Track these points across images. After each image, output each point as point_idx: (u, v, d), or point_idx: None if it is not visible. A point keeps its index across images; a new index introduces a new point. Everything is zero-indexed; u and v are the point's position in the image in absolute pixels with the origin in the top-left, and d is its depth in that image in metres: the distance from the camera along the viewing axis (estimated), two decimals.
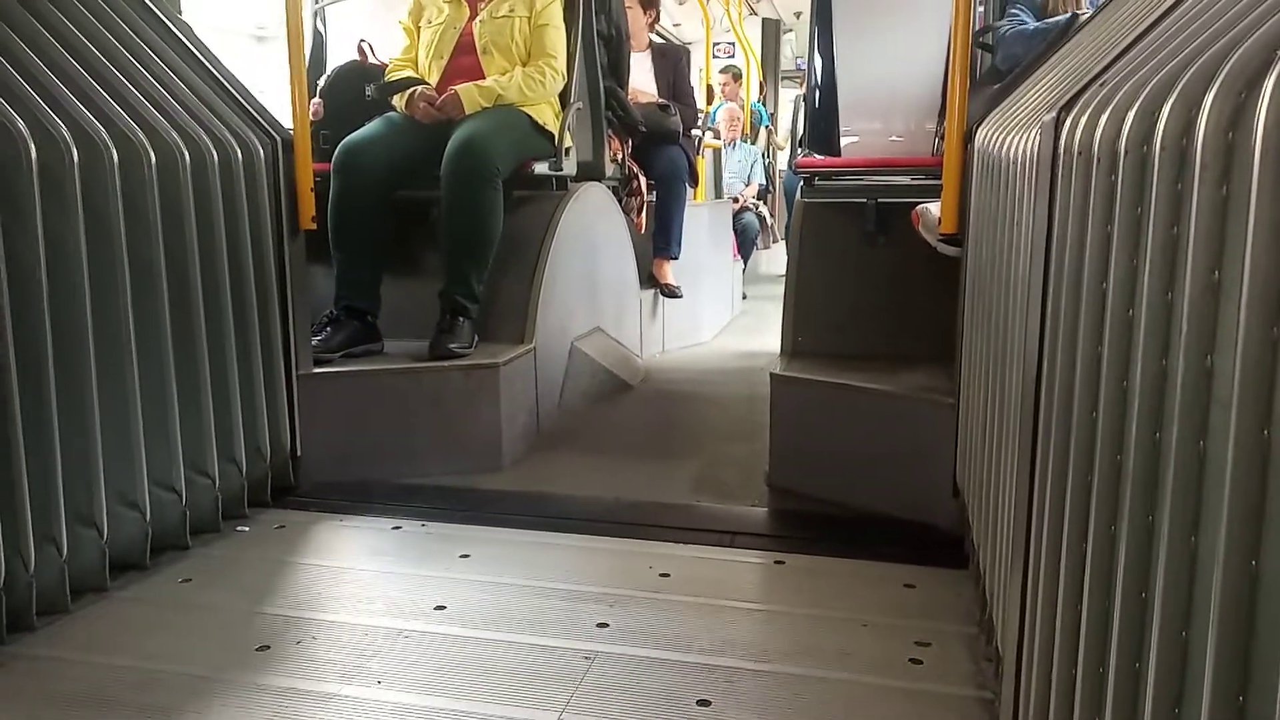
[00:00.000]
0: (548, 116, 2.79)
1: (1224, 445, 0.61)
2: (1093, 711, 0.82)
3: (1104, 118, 0.83)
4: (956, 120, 1.93)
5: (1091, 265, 0.85)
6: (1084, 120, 0.89)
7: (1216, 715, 0.61)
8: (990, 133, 1.56)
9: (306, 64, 2.32)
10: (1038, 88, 1.45)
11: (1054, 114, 0.98)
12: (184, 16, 2.11)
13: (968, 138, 1.91)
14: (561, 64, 2.81)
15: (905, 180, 2.49)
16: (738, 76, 7.17)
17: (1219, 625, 0.61)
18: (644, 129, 3.63)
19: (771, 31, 10.66)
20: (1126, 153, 0.77)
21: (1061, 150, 0.96)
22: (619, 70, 3.50)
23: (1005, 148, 1.32)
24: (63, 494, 1.59)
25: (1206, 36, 0.75)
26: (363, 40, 3.12)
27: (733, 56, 8.53)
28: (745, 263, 5.96)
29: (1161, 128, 0.71)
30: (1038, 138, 1.03)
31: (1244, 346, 0.59)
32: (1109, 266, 0.81)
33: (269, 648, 1.54)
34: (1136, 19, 1.15)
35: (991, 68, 2.54)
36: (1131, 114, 0.76)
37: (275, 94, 2.47)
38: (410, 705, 1.37)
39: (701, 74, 5.69)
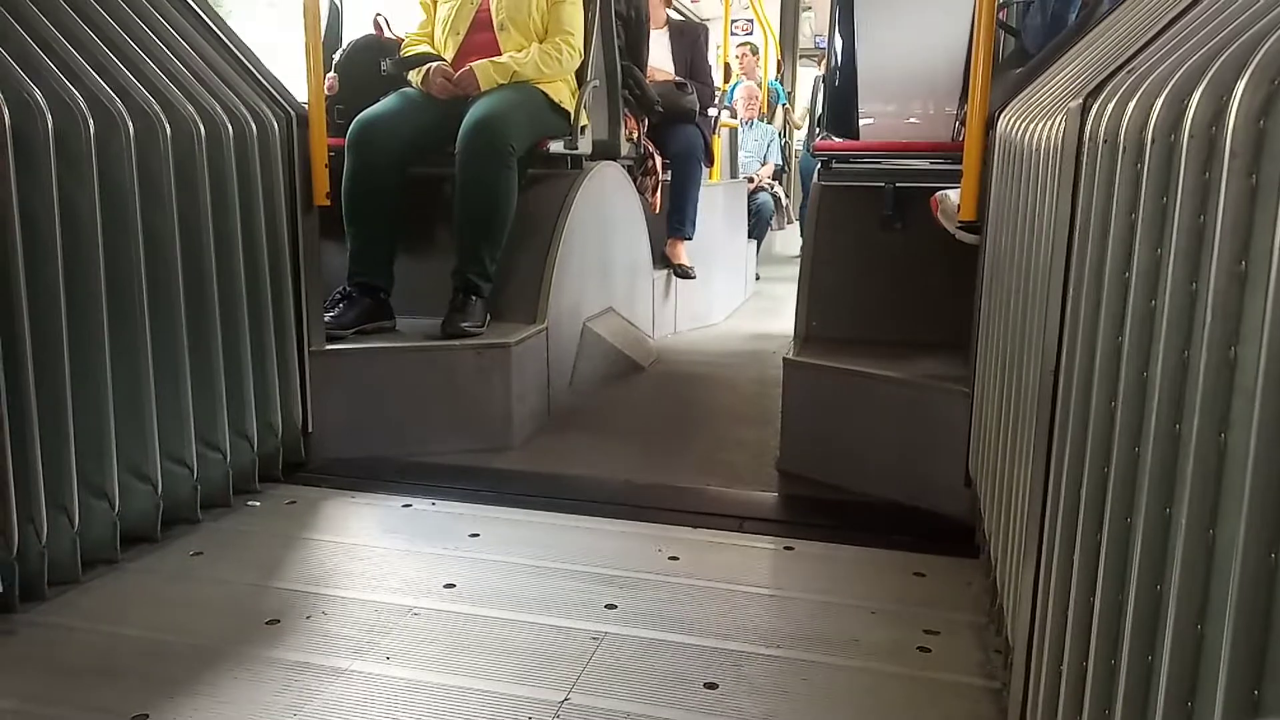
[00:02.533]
0: (564, 94, 2.78)
1: (1246, 437, 0.60)
2: (1104, 704, 0.82)
3: (1131, 105, 0.82)
4: (978, 105, 1.91)
5: (1114, 255, 0.84)
6: (1110, 107, 0.87)
7: (1231, 709, 0.60)
8: (1013, 119, 1.54)
9: (322, 37, 2.31)
10: (1063, 74, 1.43)
11: (1080, 100, 0.97)
12: None
13: (990, 123, 1.89)
14: (578, 41, 2.79)
15: (924, 165, 2.47)
16: (755, 51, 7.11)
17: (1235, 619, 0.60)
18: (660, 108, 3.60)
19: (790, 8, 10.55)
20: (1154, 141, 0.76)
21: (1087, 138, 0.94)
22: (637, 53, 3.47)
23: (1028, 134, 1.30)
24: (75, 465, 1.60)
25: (1238, 24, 0.74)
26: (379, 14, 3.11)
27: (751, 34, 8.46)
28: (759, 243, 5.93)
29: (1191, 115, 0.70)
30: (1063, 124, 1.02)
31: (1270, 337, 0.58)
32: (1132, 256, 0.80)
33: (279, 622, 1.55)
34: (1166, 6, 1.13)
35: (1015, 51, 2.51)
36: (1160, 101, 0.75)
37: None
38: (419, 682, 1.38)
39: (719, 51, 5.65)
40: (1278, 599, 0.58)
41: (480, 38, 2.73)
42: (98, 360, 1.63)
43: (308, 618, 1.56)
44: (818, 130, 2.78)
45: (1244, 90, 0.63)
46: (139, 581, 1.69)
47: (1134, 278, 0.80)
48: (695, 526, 1.97)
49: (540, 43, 2.72)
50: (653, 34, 3.71)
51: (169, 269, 1.79)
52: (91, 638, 1.49)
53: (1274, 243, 0.58)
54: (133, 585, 1.68)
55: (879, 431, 2.14)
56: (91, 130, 1.59)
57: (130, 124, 1.67)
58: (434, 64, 2.65)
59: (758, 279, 5.63)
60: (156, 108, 1.74)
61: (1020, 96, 1.70)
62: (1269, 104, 0.61)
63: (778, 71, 7.95)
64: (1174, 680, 0.68)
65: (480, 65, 2.61)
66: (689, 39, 4.16)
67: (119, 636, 1.49)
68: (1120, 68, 0.97)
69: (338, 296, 2.51)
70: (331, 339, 2.35)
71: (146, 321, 1.73)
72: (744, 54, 7.03)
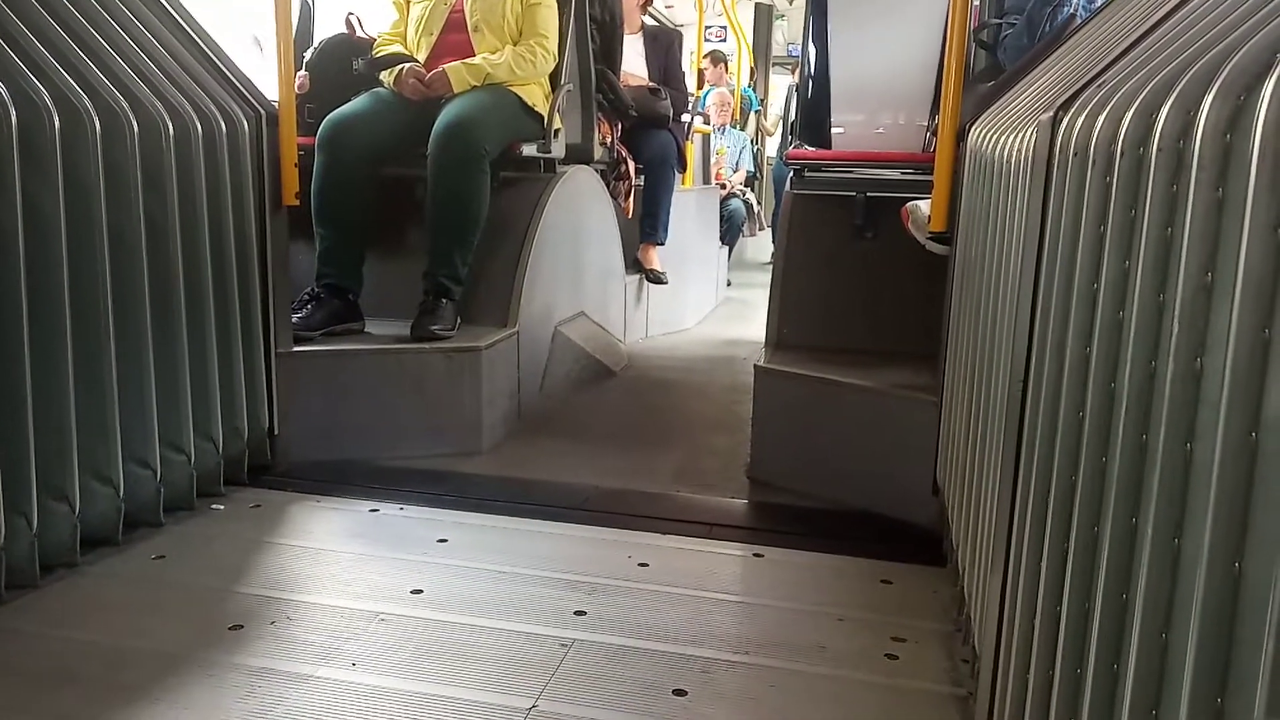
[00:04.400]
0: (537, 98, 2.77)
1: (1211, 448, 0.61)
2: (1070, 712, 0.82)
3: (1101, 118, 0.83)
4: (950, 116, 1.92)
5: (1083, 266, 0.85)
6: (1081, 120, 0.88)
7: (1195, 717, 0.61)
8: (984, 131, 1.56)
9: (293, 35, 2.28)
10: (1034, 87, 1.45)
11: (1051, 113, 0.98)
12: None
13: (960, 135, 1.91)
14: (553, 44, 2.78)
15: (895, 175, 2.49)
16: (717, 60, 7.09)
17: (1200, 628, 0.61)
18: (634, 113, 3.61)
19: (764, 16, 10.62)
20: (1123, 153, 0.77)
21: (1057, 150, 0.95)
22: (611, 57, 3.47)
23: (999, 146, 1.32)
24: (35, 467, 1.56)
25: (1206, 39, 0.75)
26: (351, 13, 3.08)
27: (724, 40, 8.48)
28: (731, 249, 5.96)
29: (1159, 129, 0.71)
30: (1034, 137, 1.03)
31: (1235, 348, 0.58)
32: (1101, 267, 0.81)
33: (242, 627, 1.52)
34: (1136, 21, 1.14)
35: (987, 66, 2.53)
36: (1129, 115, 0.76)
37: None
38: (385, 688, 1.36)
39: (693, 58, 5.66)
40: (1241, 608, 0.58)
41: (454, 39, 2.72)
42: (59, 360, 1.60)
43: (272, 623, 1.54)
44: (790, 138, 2.80)
45: (1211, 105, 0.64)
46: (99, 586, 1.66)
47: (1102, 288, 0.80)
48: (664, 533, 1.96)
49: (514, 45, 2.71)
50: (627, 39, 3.72)
51: (134, 268, 1.76)
52: (50, 643, 1.46)
53: (1240, 254, 0.59)
54: (93, 589, 1.65)
55: (848, 439, 2.15)
56: (56, 127, 1.56)
57: (96, 121, 1.64)
58: (407, 65, 2.64)
59: (729, 285, 5.65)
60: (124, 104, 1.71)
61: (991, 109, 1.72)
62: (1235, 118, 0.62)
63: (750, 79, 7.98)
64: (1139, 689, 0.69)
65: (453, 67, 2.60)
66: (663, 45, 4.17)
67: (78, 642, 1.46)
68: (1090, 81, 0.98)
69: (306, 297, 2.48)
70: (299, 340, 2.32)
71: (110, 321, 1.70)
72: (707, 65, 6.96)
